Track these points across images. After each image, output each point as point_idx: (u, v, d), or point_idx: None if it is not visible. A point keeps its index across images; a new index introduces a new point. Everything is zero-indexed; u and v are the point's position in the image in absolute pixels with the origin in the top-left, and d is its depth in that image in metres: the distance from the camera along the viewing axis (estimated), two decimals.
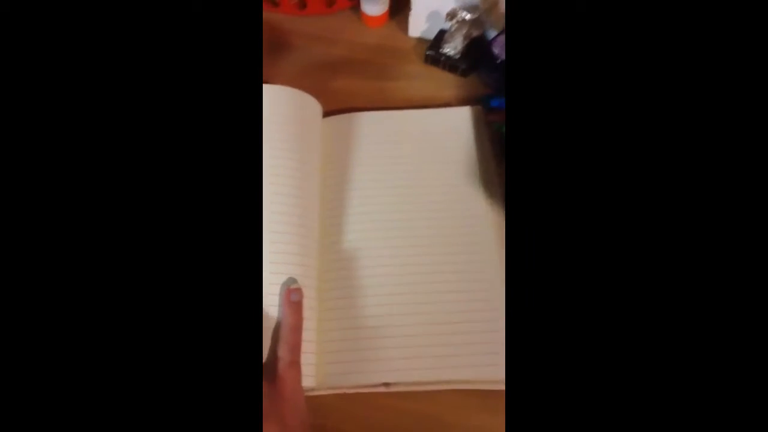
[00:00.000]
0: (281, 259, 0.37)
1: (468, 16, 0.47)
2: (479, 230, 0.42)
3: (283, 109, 0.42)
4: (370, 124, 0.48)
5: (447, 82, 0.52)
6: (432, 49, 0.52)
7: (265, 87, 0.42)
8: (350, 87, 0.52)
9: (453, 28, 0.49)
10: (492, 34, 0.50)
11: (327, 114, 0.48)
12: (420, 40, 0.55)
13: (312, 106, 0.46)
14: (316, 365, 0.36)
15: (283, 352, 0.33)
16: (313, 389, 0.36)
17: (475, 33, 0.51)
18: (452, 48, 0.51)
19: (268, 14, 0.57)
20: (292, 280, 0.36)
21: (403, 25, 0.55)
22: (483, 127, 0.47)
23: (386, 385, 0.36)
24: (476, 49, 0.51)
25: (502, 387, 0.36)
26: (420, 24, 0.54)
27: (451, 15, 0.48)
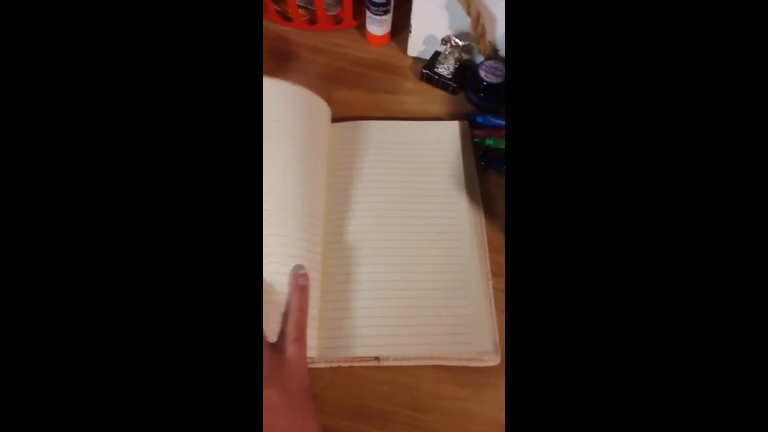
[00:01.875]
0: (292, 250, 0.42)
1: (460, 43, 0.53)
2: (460, 228, 0.48)
3: (300, 108, 0.47)
4: (371, 132, 0.53)
5: (439, 99, 0.57)
6: (427, 68, 0.57)
7: (285, 85, 0.47)
8: (351, 97, 0.56)
9: (447, 52, 0.55)
10: (479, 59, 0.55)
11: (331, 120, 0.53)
12: (417, 60, 0.59)
13: (324, 110, 0.51)
14: (318, 339, 0.41)
15: (290, 329, 0.38)
16: (314, 360, 0.42)
17: (466, 57, 0.57)
18: (445, 69, 0.56)
19: (281, 28, 0.62)
20: (299, 267, 0.41)
21: (403, 45, 0.60)
22: (468, 140, 0.53)
23: (377, 359, 0.42)
24: (465, 71, 0.56)
25: (473, 364, 0.42)
26: (418, 45, 0.58)
27: (446, 40, 0.54)
